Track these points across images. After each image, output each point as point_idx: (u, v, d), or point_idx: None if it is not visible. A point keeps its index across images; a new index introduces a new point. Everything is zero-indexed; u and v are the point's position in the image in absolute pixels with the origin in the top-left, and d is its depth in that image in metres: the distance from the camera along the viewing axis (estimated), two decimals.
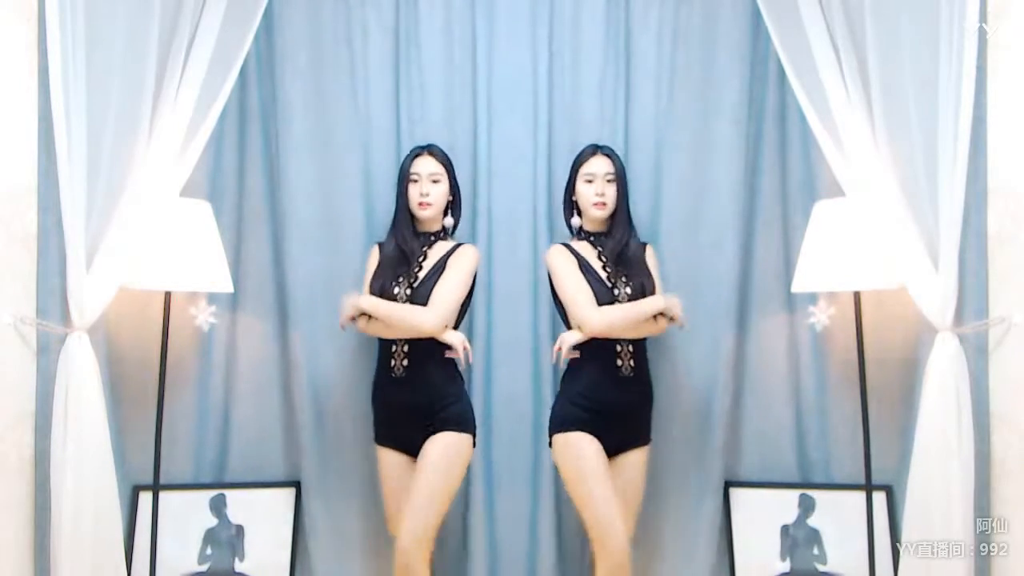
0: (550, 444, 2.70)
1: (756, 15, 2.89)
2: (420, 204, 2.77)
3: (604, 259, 2.76)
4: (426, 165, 2.77)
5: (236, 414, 2.98)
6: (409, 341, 2.69)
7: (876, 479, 2.74)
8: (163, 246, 2.62)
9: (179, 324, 2.84)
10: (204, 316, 2.85)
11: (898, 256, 2.58)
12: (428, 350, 2.68)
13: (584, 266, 2.73)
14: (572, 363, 2.72)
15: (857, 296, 2.71)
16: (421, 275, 2.72)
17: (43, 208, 2.53)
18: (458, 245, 2.78)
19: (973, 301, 2.55)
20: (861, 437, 2.71)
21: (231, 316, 2.97)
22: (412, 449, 2.69)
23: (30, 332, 2.52)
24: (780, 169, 3.00)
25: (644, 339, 2.74)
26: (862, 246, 2.62)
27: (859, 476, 2.76)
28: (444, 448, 2.63)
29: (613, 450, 2.68)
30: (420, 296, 2.68)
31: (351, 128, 3.01)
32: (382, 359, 2.74)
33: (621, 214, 2.79)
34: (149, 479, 2.73)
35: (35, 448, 2.54)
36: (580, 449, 2.62)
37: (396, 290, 2.70)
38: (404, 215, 2.79)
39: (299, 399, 2.92)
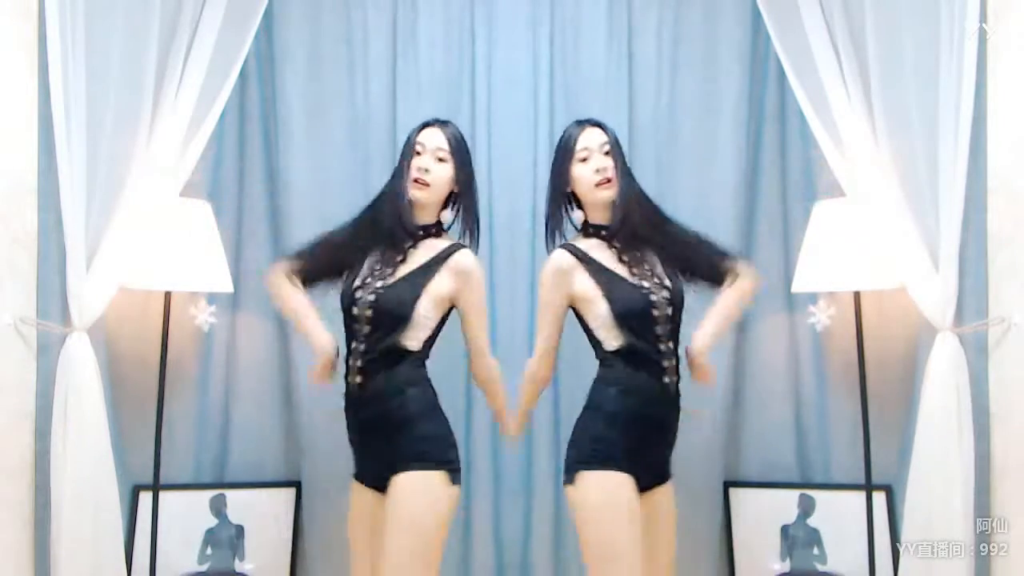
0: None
1: (756, 15, 2.89)
2: (415, 181, 2.33)
3: (625, 258, 2.36)
4: (434, 138, 2.37)
5: (236, 414, 2.98)
6: (366, 345, 2.29)
7: (876, 479, 2.74)
8: (163, 246, 2.62)
9: (179, 324, 2.84)
10: (204, 316, 2.85)
11: (898, 256, 2.58)
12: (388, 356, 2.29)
13: (599, 270, 2.34)
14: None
15: (857, 296, 2.71)
16: (394, 278, 2.32)
17: (43, 208, 2.53)
18: (453, 248, 2.38)
19: (973, 301, 2.55)
20: (861, 437, 2.71)
21: (231, 316, 2.97)
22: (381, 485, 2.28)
23: (30, 332, 2.52)
24: (780, 169, 3.00)
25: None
26: (862, 246, 2.62)
27: (859, 476, 2.76)
28: (411, 495, 2.20)
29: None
30: (385, 301, 2.28)
31: (351, 128, 3.00)
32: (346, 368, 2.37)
33: (625, 191, 2.36)
34: (149, 479, 2.73)
35: (35, 448, 2.54)
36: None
37: (359, 294, 2.31)
38: (401, 195, 2.35)
39: (299, 399, 2.92)
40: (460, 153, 2.40)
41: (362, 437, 2.35)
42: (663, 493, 2.36)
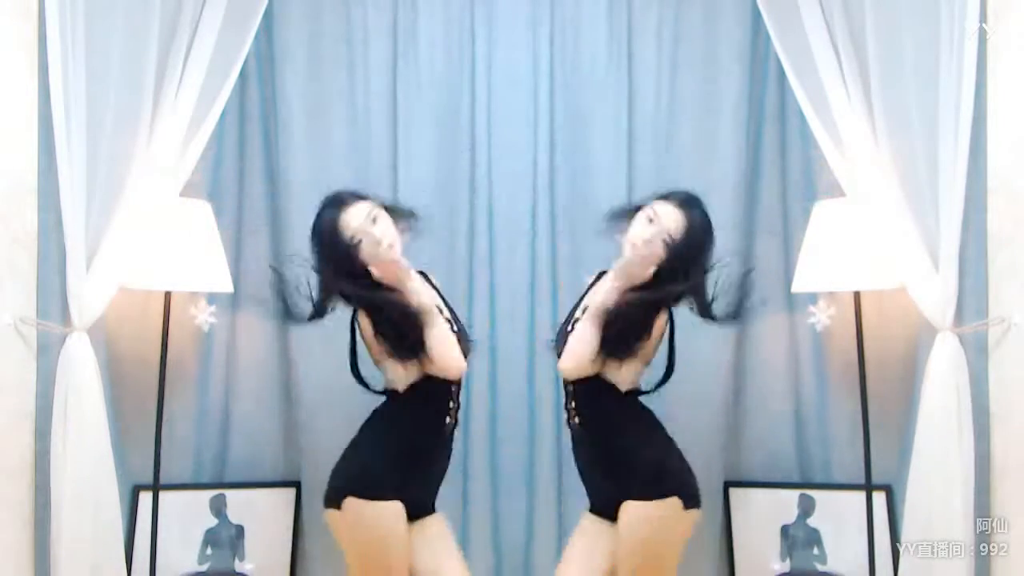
0: None
1: (756, 15, 2.89)
2: (390, 246, 2.27)
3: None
4: (360, 213, 2.29)
5: (236, 414, 2.98)
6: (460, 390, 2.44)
7: (876, 479, 2.74)
8: (163, 246, 2.62)
9: (179, 324, 2.84)
10: (204, 316, 2.85)
11: (898, 256, 2.58)
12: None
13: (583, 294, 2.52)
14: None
15: (857, 296, 2.71)
16: (448, 316, 2.42)
17: (43, 208, 2.53)
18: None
19: (973, 301, 2.55)
20: (861, 437, 2.71)
21: (231, 316, 2.97)
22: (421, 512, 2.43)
23: (30, 332, 2.52)
24: (780, 169, 3.01)
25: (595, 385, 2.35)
26: (862, 246, 2.62)
27: (859, 476, 2.76)
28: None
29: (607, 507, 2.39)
30: (467, 338, 2.47)
31: (351, 128, 3.00)
32: (429, 409, 2.39)
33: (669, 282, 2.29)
34: (149, 479, 2.73)
35: (35, 448, 2.54)
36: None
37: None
38: (376, 287, 2.27)
39: (299, 399, 2.92)
40: (376, 198, 2.38)
41: (440, 469, 2.47)
42: (625, 511, 2.30)
